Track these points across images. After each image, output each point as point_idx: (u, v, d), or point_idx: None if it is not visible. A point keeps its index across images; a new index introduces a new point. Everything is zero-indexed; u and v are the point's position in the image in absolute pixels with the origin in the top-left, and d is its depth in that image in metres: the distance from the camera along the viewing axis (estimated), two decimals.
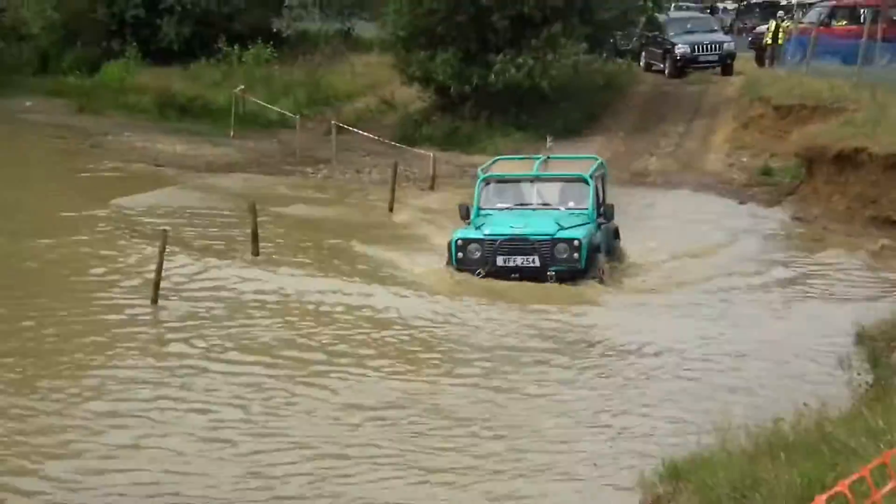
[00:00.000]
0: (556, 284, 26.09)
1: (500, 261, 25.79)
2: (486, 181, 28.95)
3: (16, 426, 19.46)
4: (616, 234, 30.19)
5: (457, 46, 50.53)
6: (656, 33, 60.41)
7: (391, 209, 38.65)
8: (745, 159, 46.08)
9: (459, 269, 26.51)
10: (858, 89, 43.82)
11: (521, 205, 28.17)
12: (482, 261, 25.91)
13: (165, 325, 24.87)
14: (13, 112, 58.15)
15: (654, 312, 26.43)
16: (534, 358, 22.66)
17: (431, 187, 42.40)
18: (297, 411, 20.03)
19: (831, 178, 38.52)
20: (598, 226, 27.55)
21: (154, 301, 26.09)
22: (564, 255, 25.49)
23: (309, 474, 17.38)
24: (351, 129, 49.32)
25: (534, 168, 29.01)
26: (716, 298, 28.02)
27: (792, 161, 42.09)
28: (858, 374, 20.08)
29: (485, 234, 26.13)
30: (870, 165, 36.05)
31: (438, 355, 22.89)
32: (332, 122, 49.78)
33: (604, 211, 28.30)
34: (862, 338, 21.74)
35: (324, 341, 23.43)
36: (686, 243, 33.35)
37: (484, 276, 26.12)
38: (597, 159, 30.45)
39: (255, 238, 30.81)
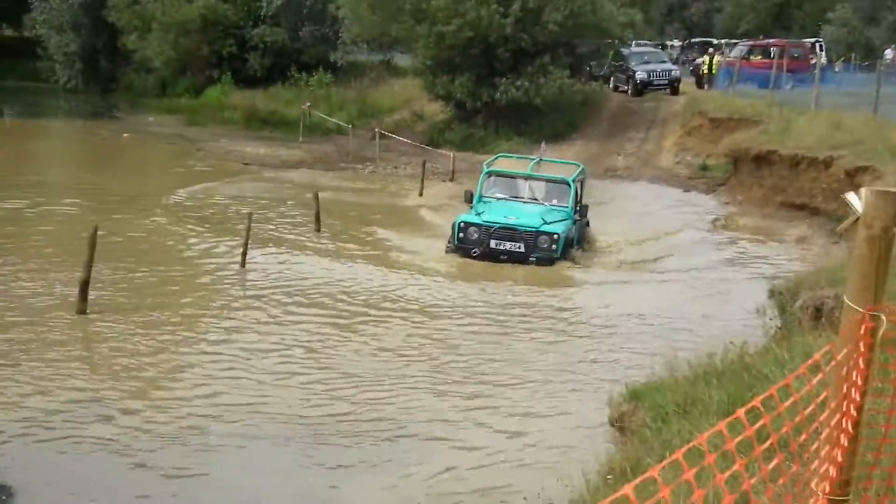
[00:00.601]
0: (537, 266, 25.77)
1: (493, 244, 25.75)
2: (489, 174, 28.77)
3: (141, 360, 19.68)
4: (587, 224, 29.75)
5: (471, 72, 50.70)
6: (621, 63, 60.45)
7: (421, 194, 38.91)
8: (688, 158, 46.27)
9: (459, 247, 26.30)
10: (770, 107, 44.59)
11: (515, 197, 27.93)
12: (478, 242, 25.77)
13: (251, 283, 25.05)
14: (140, 125, 58.97)
15: (615, 285, 25.83)
16: (521, 315, 22.67)
17: (451, 179, 42.48)
18: (345, 350, 20.26)
19: (751, 172, 38.99)
20: (574, 222, 27.29)
21: (242, 265, 26.40)
22: (545, 246, 25.47)
23: (353, 396, 17.58)
24: (390, 135, 49.36)
25: (528, 168, 28.68)
26: (663, 271, 27.96)
27: (723, 160, 42.35)
28: (770, 320, 20.14)
29: (483, 221, 25.98)
30: (779, 163, 36.64)
31: (448, 312, 22.89)
32: (376, 129, 49.84)
33: (580, 209, 28.05)
34: (773, 293, 21.77)
35: (365, 298, 23.58)
36: (644, 227, 33.30)
37: (478, 255, 25.97)
38: (579, 166, 29.94)
39: (317, 217, 31.07)
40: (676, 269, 27.74)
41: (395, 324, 22.00)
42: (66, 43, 71.43)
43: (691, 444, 3.43)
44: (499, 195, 27.84)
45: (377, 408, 17.30)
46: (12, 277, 25.41)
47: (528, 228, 25.55)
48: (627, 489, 3.05)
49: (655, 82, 59.72)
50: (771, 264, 27.66)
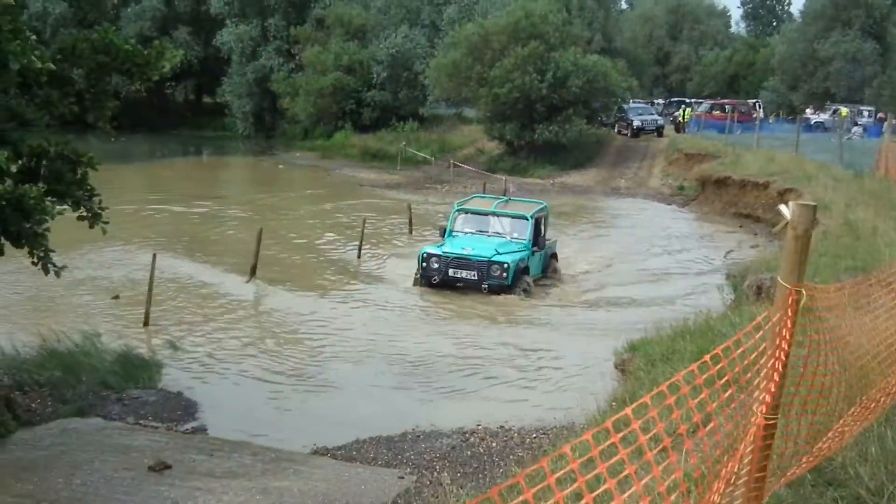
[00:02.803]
0: (492, 297, 21.83)
1: (451, 272, 22.08)
2: (459, 212, 24.37)
3: (286, 316, 19.93)
4: (553, 256, 25.34)
5: (517, 121, 50.83)
6: (623, 114, 60.36)
7: (512, 194, 38.81)
8: (670, 181, 46.15)
9: (423, 275, 22.57)
10: (725, 146, 44.91)
11: (482, 231, 23.72)
12: (439, 271, 22.11)
13: (363, 269, 25.36)
14: (290, 159, 59.47)
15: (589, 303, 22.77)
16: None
17: (503, 193, 42.29)
18: (434, 314, 20.63)
19: (713, 191, 39.25)
20: (532, 253, 23.20)
21: (358, 256, 26.59)
22: (496, 274, 21.72)
23: (437, 347, 17.70)
24: (460, 164, 49.22)
25: (493, 206, 24.59)
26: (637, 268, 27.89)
27: (694, 182, 42.29)
28: (727, 295, 20.05)
29: (442, 252, 22.40)
30: (732, 185, 37.24)
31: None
32: (451, 161, 49.75)
33: (539, 242, 23.64)
34: (729, 276, 21.66)
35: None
36: (629, 237, 33.36)
37: (437, 282, 22.27)
38: (541, 204, 25.29)
39: (410, 222, 31.15)
40: (655, 269, 27.42)
41: (473, 300, 21.61)
42: (243, 105, 72.31)
43: (671, 380, 3.47)
44: (468, 230, 23.86)
45: (455, 354, 17.39)
46: (202, 257, 25.95)
47: (480, 258, 22.02)
48: (627, 410, 3.10)
49: (647, 128, 59.79)
50: (730, 259, 27.50)
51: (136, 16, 73.27)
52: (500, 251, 22.23)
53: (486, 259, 21.90)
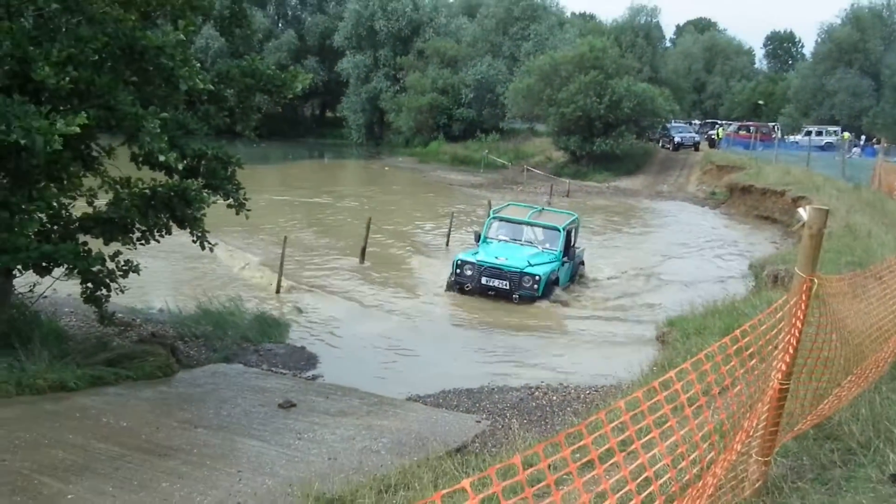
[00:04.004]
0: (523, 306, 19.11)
1: (483, 280, 19.24)
2: (494, 219, 21.75)
3: (388, 295, 20.11)
4: (581, 263, 22.35)
5: (579, 134, 50.60)
6: (666, 132, 59.68)
7: (549, 202, 38.57)
8: (704, 187, 45.48)
9: (456, 281, 19.71)
10: (750, 160, 44.07)
11: (515, 239, 20.92)
12: (471, 278, 19.37)
13: (451, 254, 25.12)
14: (394, 163, 59.41)
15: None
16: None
17: (567, 195, 42.18)
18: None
19: (740, 197, 38.52)
20: (563, 264, 20.36)
21: (447, 245, 26.29)
22: (527, 285, 19.01)
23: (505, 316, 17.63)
24: (532, 169, 49.08)
25: (528, 215, 21.66)
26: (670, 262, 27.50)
27: (724, 189, 41.56)
28: (749, 282, 19.81)
29: (476, 260, 19.58)
30: (755, 192, 36.60)
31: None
32: (524, 166, 49.75)
33: (570, 253, 20.72)
34: (751, 266, 21.41)
35: None
36: (672, 233, 32.95)
37: (469, 289, 19.49)
38: (573, 215, 22.22)
39: (489, 216, 30.58)
40: (683, 257, 27.14)
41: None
42: (357, 119, 73.20)
43: (705, 352, 3.47)
44: (502, 237, 21.14)
45: (517, 325, 17.36)
46: (322, 239, 26.19)
47: (513, 269, 19.22)
48: (671, 373, 3.11)
49: (685, 143, 58.96)
50: (749, 250, 27.08)
51: (276, 48, 74.38)
52: (533, 262, 19.54)
53: (518, 270, 19.20)
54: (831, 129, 60.82)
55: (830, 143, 55.37)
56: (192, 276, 20.08)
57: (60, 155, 9.75)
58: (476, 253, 20.16)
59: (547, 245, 20.42)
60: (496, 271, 19.21)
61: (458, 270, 19.61)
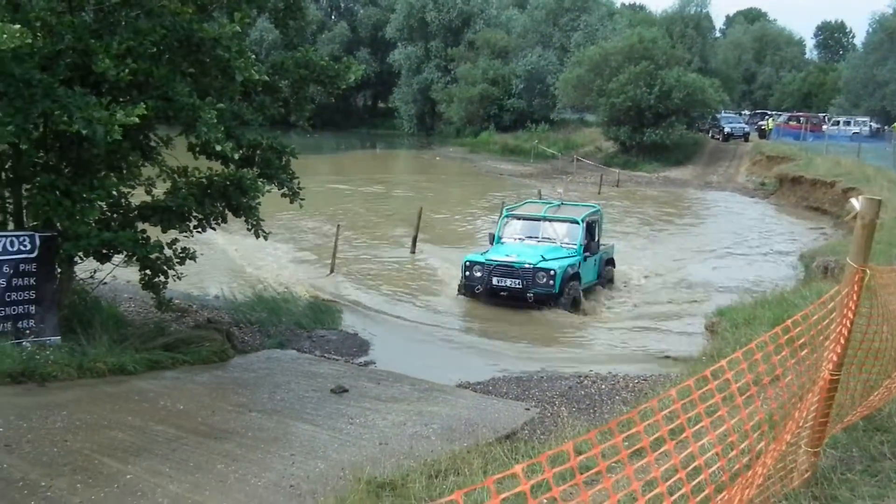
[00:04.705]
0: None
1: (494, 281, 17.12)
2: (508, 217, 19.43)
3: (435, 277, 20.06)
4: (609, 262, 20.08)
5: (629, 125, 50.27)
6: (716, 122, 59.05)
7: (599, 192, 38.48)
8: (754, 178, 44.86)
9: (466, 284, 17.67)
10: (800, 151, 43.74)
11: (532, 237, 18.60)
12: (481, 280, 17.21)
13: None
14: (445, 153, 59.46)
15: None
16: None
17: (617, 185, 41.97)
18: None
19: (789, 188, 38.08)
20: (584, 258, 18.20)
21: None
22: (542, 282, 16.76)
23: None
24: (582, 159, 48.87)
25: (543, 211, 19.29)
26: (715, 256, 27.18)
27: (773, 180, 41.00)
28: (799, 273, 19.56)
29: (485, 260, 17.50)
30: (805, 183, 36.27)
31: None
32: (574, 156, 49.60)
33: (591, 246, 18.49)
34: (801, 257, 21.14)
35: None
36: (722, 223, 32.59)
37: (480, 291, 17.42)
38: (594, 207, 20.36)
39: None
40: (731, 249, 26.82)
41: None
42: (409, 109, 73.89)
43: (757, 341, 3.42)
44: (517, 236, 18.85)
45: (560, 319, 17.27)
46: (374, 226, 26.26)
47: (525, 265, 17.09)
48: (723, 362, 3.07)
49: (735, 134, 58.13)
50: (799, 241, 26.73)
51: (329, 40, 75.15)
52: (547, 257, 17.41)
53: (531, 266, 17.04)
54: (860, 119, 60.04)
55: (857, 132, 54.82)
56: (247, 262, 20.28)
57: (120, 145, 9.89)
58: (486, 253, 18.25)
59: (567, 241, 18.41)
60: (507, 270, 17.22)
61: (468, 273, 17.65)
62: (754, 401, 3.27)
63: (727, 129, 58.47)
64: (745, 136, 58.21)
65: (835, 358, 4.15)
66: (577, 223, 18.40)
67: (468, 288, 17.76)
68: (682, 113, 50.42)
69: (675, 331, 15.77)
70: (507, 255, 17.48)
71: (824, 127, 56.14)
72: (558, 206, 19.78)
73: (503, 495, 1.88)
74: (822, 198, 33.42)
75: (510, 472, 1.95)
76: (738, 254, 25.08)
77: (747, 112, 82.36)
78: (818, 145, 45.55)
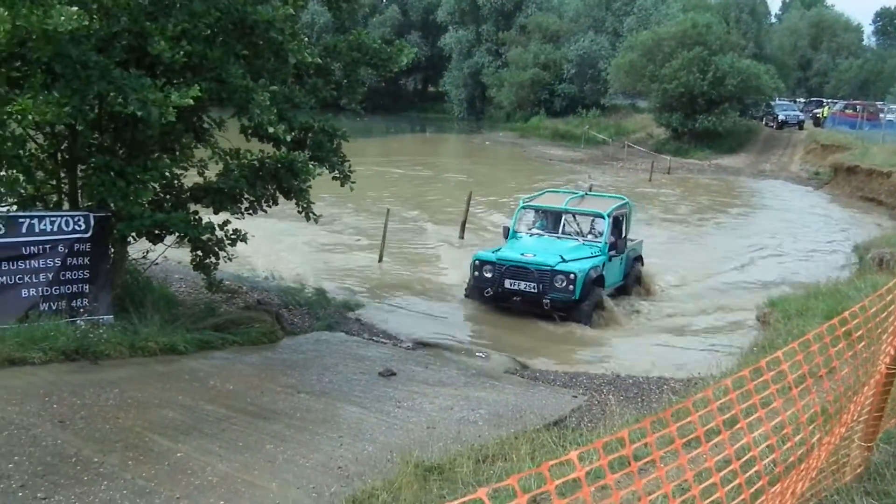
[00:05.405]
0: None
1: (507, 283, 14.95)
2: (524, 209, 17.06)
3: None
4: (638, 260, 18.00)
5: (681, 111, 49.78)
6: (770, 109, 57.99)
7: (650, 179, 38.19)
8: (808, 167, 44.28)
9: (476, 285, 15.59)
10: (856, 140, 42.92)
11: (552, 233, 16.46)
12: (492, 281, 15.10)
13: None
14: (494, 138, 59.26)
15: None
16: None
17: (668, 172, 41.63)
18: None
19: (844, 178, 37.56)
20: (609, 258, 16.00)
21: None
22: (561, 286, 14.53)
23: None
24: (633, 146, 48.63)
25: (564, 202, 16.85)
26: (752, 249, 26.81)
27: (828, 169, 40.41)
28: (853, 264, 19.28)
29: (497, 259, 15.25)
30: (860, 173, 35.80)
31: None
32: (625, 142, 49.32)
33: (619, 244, 16.33)
34: (856, 248, 20.82)
35: None
36: (777, 214, 32.17)
37: (490, 295, 15.29)
38: (622, 199, 17.67)
39: (590, 189, 30.16)
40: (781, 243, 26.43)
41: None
42: (459, 94, 73.82)
43: (806, 337, 3.38)
44: (535, 231, 16.78)
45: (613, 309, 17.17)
46: (423, 211, 26.29)
47: (542, 267, 14.84)
48: (779, 353, 3.04)
49: (790, 122, 57.12)
50: (853, 232, 26.33)
51: (380, 23, 75.48)
52: (567, 258, 15.22)
53: (548, 268, 14.87)
54: (893, 106, 59.10)
55: (891, 120, 54.08)
56: (296, 244, 20.42)
57: (174, 126, 9.99)
58: (498, 250, 16.00)
59: (590, 236, 16.51)
60: (521, 271, 15.06)
61: (477, 273, 15.53)
62: (810, 393, 3.24)
63: (781, 117, 57.52)
64: (800, 124, 57.21)
65: (892, 351, 4.09)
66: (603, 217, 16.32)
67: (476, 290, 15.78)
68: (735, 100, 49.76)
69: (714, 346, 14.13)
70: (523, 254, 15.40)
71: (881, 116, 55.15)
72: (581, 197, 17.48)
73: (557, 481, 1.89)
74: (877, 188, 32.92)
75: (565, 458, 1.95)
76: (789, 246, 24.61)
77: (802, 100, 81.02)
78: (875, 134, 44.69)
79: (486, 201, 28.74)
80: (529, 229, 16.91)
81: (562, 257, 15.13)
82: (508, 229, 16.86)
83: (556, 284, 14.73)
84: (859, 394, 3.93)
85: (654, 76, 49.81)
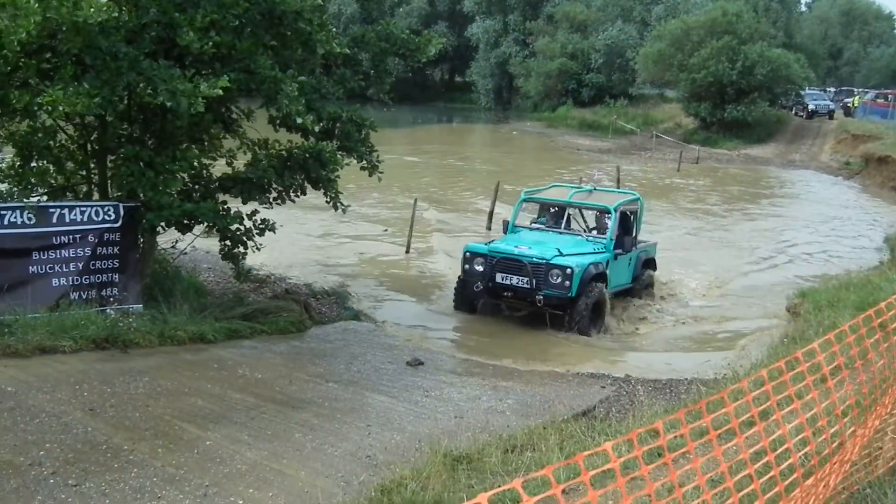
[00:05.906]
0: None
1: (498, 277, 13.63)
2: (525, 202, 15.81)
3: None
4: (649, 263, 16.27)
5: (710, 101, 49.45)
6: (800, 99, 57.58)
7: (678, 169, 37.96)
8: (838, 157, 43.88)
9: (466, 279, 14.19)
10: (887, 129, 42.78)
11: (554, 228, 15.24)
12: (483, 275, 13.79)
13: None
14: (521, 127, 59.02)
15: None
16: None
17: (696, 162, 41.38)
18: None
19: (875, 168, 37.29)
20: (615, 256, 14.61)
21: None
22: (556, 281, 13.22)
23: None
24: (661, 135, 48.35)
25: (568, 195, 15.62)
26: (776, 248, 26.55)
27: (859, 159, 40.05)
28: (885, 255, 19.11)
29: (488, 251, 13.95)
30: (892, 163, 35.55)
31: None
32: (653, 132, 49.07)
33: (625, 242, 14.77)
34: (887, 239, 20.65)
35: None
36: (810, 204, 31.85)
37: (480, 290, 13.96)
38: (632, 195, 16.32)
39: (618, 180, 29.49)
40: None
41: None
42: (486, 84, 73.89)
43: (841, 329, 3.34)
44: (536, 225, 15.71)
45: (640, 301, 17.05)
46: (450, 201, 26.22)
47: (536, 260, 13.51)
48: (814, 344, 3.01)
49: (820, 111, 56.66)
50: (886, 222, 26.06)
51: (406, 14, 75.61)
52: (564, 252, 13.90)
53: (543, 261, 13.51)
54: None
55: None
56: (325, 234, 20.46)
57: (202, 117, 10.05)
58: (491, 242, 14.87)
59: (594, 232, 15.34)
60: (514, 264, 13.74)
61: (467, 266, 14.20)
62: (845, 385, 3.20)
63: (811, 107, 57.02)
64: (830, 114, 56.67)
65: None
66: (609, 212, 15.01)
67: (463, 296, 14.61)
68: (765, 89, 49.38)
69: (743, 345, 13.43)
70: (516, 247, 14.07)
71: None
72: (589, 192, 16.40)
73: (592, 472, 1.87)
74: None
75: (601, 449, 1.94)
76: (818, 237, 24.32)
77: (832, 89, 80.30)
78: None
79: (514, 192, 28.58)
80: (531, 224, 15.92)
81: (558, 251, 13.86)
82: (508, 222, 15.79)
83: (551, 280, 13.42)
84: (894, 386, 3.88)
85: (682, 65, 49.46)
